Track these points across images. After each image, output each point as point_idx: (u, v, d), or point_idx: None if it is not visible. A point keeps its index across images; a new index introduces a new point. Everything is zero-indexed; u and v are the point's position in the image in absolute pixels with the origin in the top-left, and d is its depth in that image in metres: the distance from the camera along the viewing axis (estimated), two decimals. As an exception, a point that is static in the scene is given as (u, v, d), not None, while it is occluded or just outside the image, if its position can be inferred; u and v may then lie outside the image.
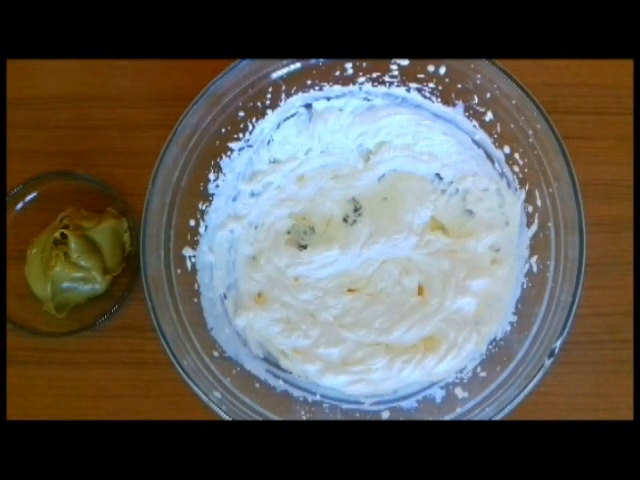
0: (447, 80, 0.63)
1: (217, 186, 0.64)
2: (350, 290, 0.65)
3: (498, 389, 0.57)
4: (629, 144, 0.67)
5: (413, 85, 0.64)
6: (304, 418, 0.59)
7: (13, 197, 0.64)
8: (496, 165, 0.64)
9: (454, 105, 0.64)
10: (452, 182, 0.66)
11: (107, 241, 0.63)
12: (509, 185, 0.64)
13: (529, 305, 0.60)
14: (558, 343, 0.55)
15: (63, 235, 0.61)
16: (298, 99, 0.65)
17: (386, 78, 0.64)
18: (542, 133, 0.59)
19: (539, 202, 0.61)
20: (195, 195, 0.63)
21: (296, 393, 0.61)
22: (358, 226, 0.66)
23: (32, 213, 0.65)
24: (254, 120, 0.64)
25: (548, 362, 0.55)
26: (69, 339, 0.62)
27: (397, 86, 0.64)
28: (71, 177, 0.65)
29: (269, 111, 0.64)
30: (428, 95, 0.64)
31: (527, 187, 0.62)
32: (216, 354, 0.60)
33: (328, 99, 0.66)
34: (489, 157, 0.65)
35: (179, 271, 0.60)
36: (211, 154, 0.63)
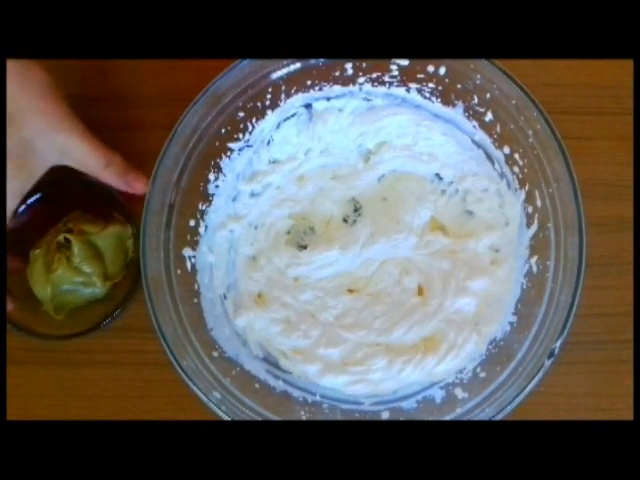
0: (447, 80, 0.62)
1: (217, 186, 0.64)
2: (350, 290, 0.65)
3: (498, 389, 0.57)
4: (629, 144, 0.67)
5: (413, 85, 0.64)
6: (304, 418, 0.59)
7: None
8: (496, 165, 0.64)
9: (454, 105, 0.64)
10: (452, 182, 0.66)
11: (110, 247, 0.63)
12: (509, 185, 0.64)
13: (529, 305, 0.60)
14: (558, 343, 0.55)
15: (67, 239, 0.61)
16: (298, 99, 0.65)
17: (386, 78, 0.64)
18: (542, 133, 0.59)
19: (539, 202, 0.60)
20: (195, 195, 0.63)
21: (296, 393, 0.61)
22: (358, 226, 0.66)
23: (34, 215, 0.65)
24: (254, 120, 0.64)
25: (548, 362, 0.55)
26: (69, 341, 0.62)
27: (397, 86, 0.64)
28: (74, 180, 0.65)
29: (269, 111, 0.64)
30: (428, 95, 0.64)
31: (527, 187, 0.62)
32: (216, 354, 0.60)
33: (328, 99, 0.65)
34: (489, 157, 0.65)
35: (179, 271, 0.60)
36: (211, 154, 0.63)
